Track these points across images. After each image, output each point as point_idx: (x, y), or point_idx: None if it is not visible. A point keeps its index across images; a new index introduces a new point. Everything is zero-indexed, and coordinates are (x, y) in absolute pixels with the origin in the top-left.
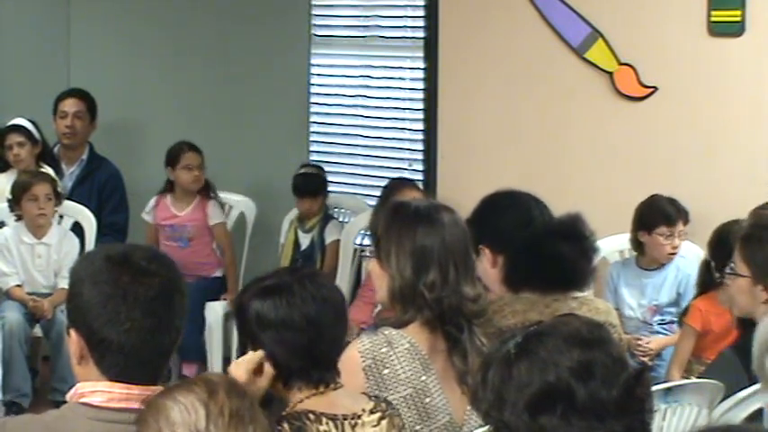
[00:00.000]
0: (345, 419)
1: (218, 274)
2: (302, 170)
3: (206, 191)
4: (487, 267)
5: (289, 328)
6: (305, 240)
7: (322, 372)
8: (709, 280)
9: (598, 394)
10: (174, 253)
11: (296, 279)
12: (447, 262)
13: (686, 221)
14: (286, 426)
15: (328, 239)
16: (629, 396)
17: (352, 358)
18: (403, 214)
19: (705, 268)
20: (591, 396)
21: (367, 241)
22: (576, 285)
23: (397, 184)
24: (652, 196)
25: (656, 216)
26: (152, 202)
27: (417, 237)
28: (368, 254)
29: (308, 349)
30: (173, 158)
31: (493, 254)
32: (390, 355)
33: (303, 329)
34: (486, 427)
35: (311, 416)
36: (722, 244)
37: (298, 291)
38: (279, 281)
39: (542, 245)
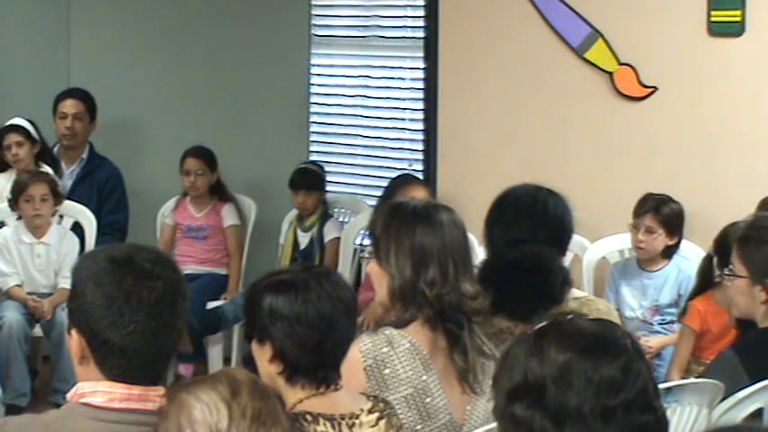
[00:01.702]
0: (343, 419)
1: (225, 272)
2: (301, 165)
3: (221, 193)
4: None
5: (301, 323)
6: (304, 239)
7: (327, 371)
8: (709, 276)
9: (566, 401)
10: (192, 244)
11: (312, 276)
12: (446, 260)
13: (659, 218)
14: None
15: (327, 238)
16: (602, 416)
17: (353, 358)
18: (401, 213)
19: (707, 264)
20: (559, 401)
21: (367, 241)
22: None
23: (401, 181)
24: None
25: (635, 207)
26: (171, 204)
27: (416, 235)
28: (366, 255)
29: (317, 346)
30: (181, 162)
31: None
32: (391, 355)
33: (316, 326)
34: (486, 428)
35: (308, 417)
36: (726, 244)
37: (314, 287)
38: (294, 276)
39: (506, 278)
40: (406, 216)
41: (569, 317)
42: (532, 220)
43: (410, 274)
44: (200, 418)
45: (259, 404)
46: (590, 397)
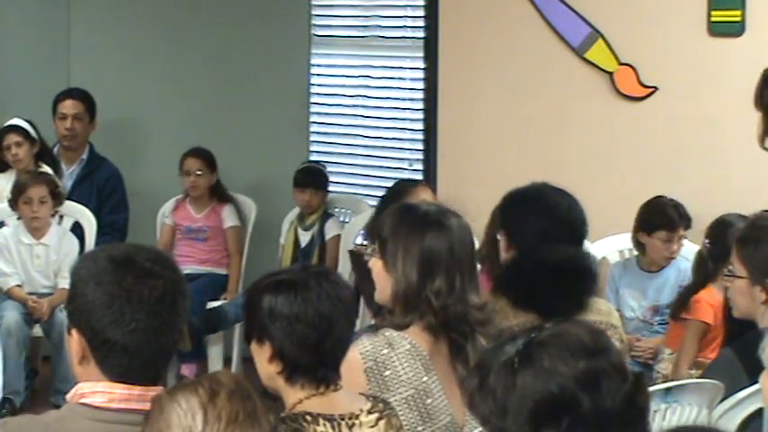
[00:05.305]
0: (342, 420)
1: (225, 272)
2: (304, 165)
3: (220, 194)
4: (501, 253)
5: (300, 322)
6: (305, 238)
7: (327, 370)
8: (706, 269)
9: (603, 405)
10: (191, 246)
11: (312, 275)
12: (453, 270)
13: (688, 226)
14: (283, 427)
15: (329, 235)
16: (630, 406)
17: (354, 360)
18: (412, 217)
19: (702, 258)
20: (596, 407)
21: (367, 241)
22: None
23: (407, 186)
24: (656, 198)
25: (658, 219)
26: (170, 205)
27: (425, 241)
28: (369, 253)
29: (316, 345)
30: (180, 164)
31: (508, 245)
32: (391, 357)
33: (315, 325)
34: None
35: (308, 417)
36: (720, 236)
37: (313, 287)
38: (294, 276)
39: (543, 276)
40: (416, 220)
41: (544, 331)
42: (560, 220)
43: (416, 280)
44: (175, 421)
45: (237, 406)
46: (616, 392)
